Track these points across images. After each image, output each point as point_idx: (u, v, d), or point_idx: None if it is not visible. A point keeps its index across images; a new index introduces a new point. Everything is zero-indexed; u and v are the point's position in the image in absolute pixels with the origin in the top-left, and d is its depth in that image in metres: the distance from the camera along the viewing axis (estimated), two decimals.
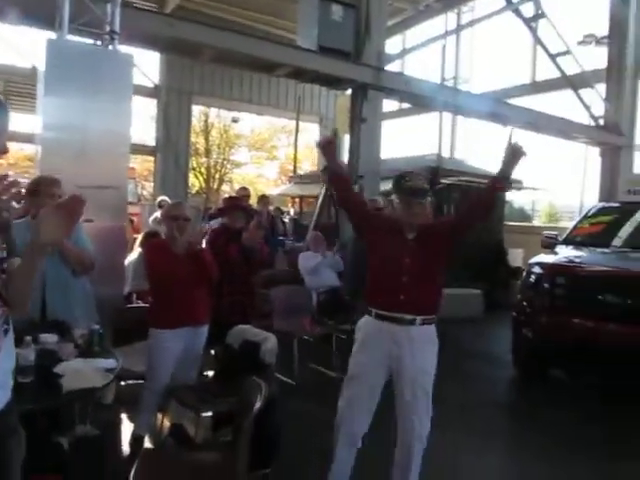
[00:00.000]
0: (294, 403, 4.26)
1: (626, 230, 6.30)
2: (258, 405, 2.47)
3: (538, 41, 9.40)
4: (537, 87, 11.13)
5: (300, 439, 3.82)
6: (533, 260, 5.80)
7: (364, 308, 2.95)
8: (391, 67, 7.93)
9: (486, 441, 4.12)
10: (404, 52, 8.80)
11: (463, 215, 3.04)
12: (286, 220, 11.06)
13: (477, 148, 12.13)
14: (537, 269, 5.55)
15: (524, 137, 8.67)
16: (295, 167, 15.03)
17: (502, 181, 2.76)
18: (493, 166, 11.39)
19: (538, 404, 4.99)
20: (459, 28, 10.84)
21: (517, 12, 8.65)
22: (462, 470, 3.57)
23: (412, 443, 2.82)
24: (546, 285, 5.34)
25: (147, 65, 13.85)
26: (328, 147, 2.94)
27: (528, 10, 9.12)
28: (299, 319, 5.62)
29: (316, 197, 9.61)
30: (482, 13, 9.71)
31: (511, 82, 11.63)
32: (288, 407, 3.81)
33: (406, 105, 11.48)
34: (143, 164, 19.48)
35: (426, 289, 2.82)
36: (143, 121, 15.40)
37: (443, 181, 9.98)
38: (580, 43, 11.23)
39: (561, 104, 10.17)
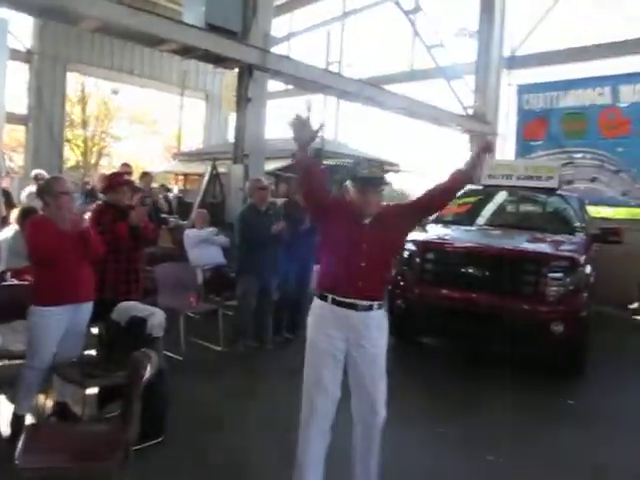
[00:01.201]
0: (182, 377, 4.36)
1: (488, 210, 7.01)
2: (148, 375, 2.58)
3: (416, 33, 9.97)
4: (414, 75, 11.79)
5: (190, 411, 3.95)
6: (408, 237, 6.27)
7: (317, 292, 2.93)
8: (278, 48, 8.07)
9: None
10: (290, 35, 8.94)
11: (427, 203, 3.03)
12: (170, 197, 10.87)
13: (359, 131, 12.65)
14: (410, 246, 6.01)
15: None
16: (179, 144, 14.73)
17: (468, 175, 2.92)
18: (373, 148, 12.00)
19: (415, 368, 5.46)
20: (344, 15, 11.17)
21: (397, 4, 9.11)
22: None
23: (375, 426, 2.88)
24: (418, 260, 5.83)
25: (18, 27, 12.81)
26: (302, 127, 2.72)
27: (409, 3, 9.62)
28: (184, 296, 5.67)
29: (201, 175, 9.56)
30: (367, 1, 10.06)
31: (391, 69, 12.21)
32: (176, 381, 3.93)
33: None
34: (11, 134, 18.05)
35: (382, 274, 2.89)
36: (11, 87, 14.26)
37: (327, 163, 10.36)
38: (456, 35, 12.02)
39: (436, 92, 10.87)
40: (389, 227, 2.84)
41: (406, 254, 6.01)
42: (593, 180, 9.84)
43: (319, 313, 2.89)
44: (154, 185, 9.46)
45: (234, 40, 6.93)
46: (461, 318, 5.51)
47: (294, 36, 8.93)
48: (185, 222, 8.09)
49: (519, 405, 4.57)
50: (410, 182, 13.87)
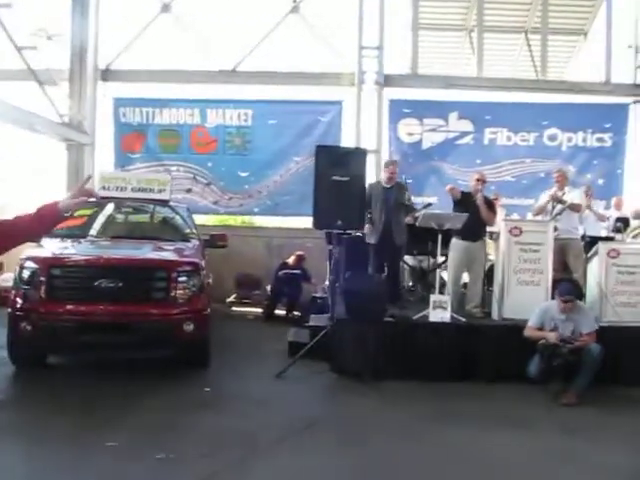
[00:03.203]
0: None
1: (107, 222, 7.07)
2: None
3: (4, 29, 9.05)
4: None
5: None
6: (24, 255, 5.79)
7: None
8: None
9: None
10: None
11: (12, 234, 2.45)
12: None
13: None
14: (30, 263, 5.62)
15: None
16: None
17: (63, 212, 2.46)
18: None
19: (55, 391, 5.15)
20: None
21: None
22: None
23: None
24: (42, 278, 5.50)
25: None
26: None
27: None
28: None
29: None
30: None
31: None
32: None
33: None
34: None
35: None
36: None
37: None
38: (33, 35, 11.25)
39: (28, 96, 10.01)
40: None
41: (27, 273, 5.60)
42: (188, 191, 10.87)
43: None
44: None
45: None
46: (94, 331, 5.50)
47: None
48: None
49: (166, 401, 4.93)
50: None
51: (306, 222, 10.51)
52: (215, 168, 10.90)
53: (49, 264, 5.60)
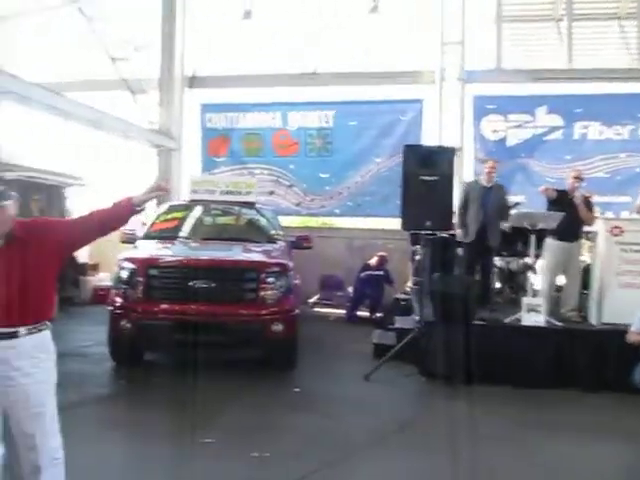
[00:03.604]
0: None
1: (198, 224, 7.31)
2: None
3: (100, 42, 9.58)
4: (94, 85, 11.23)
5: None
6: (122, 256, 6.10)
7: None
8: None
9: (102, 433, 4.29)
10: None
11: (91, 227, 2.76)
12: None
13: (32, 142, 11.23)
14: (128, 264, 5.89)
15: None
16: None
17: (137, 207, 2.74)
18: (51, 160, 10.94)
19: (155, 386, 5.41)
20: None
21: (80, 10, 8.57)
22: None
23: (43, 464, 2.55)
24: (140, 278, 5.75)
25: None
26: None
27: (92, 10, 9.17)
28: None
29: None
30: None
31: (68, 76, 11.32)
32: None
33: None
34: None
35: (29, 296, 2.54)
36: None
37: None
38: (120, 48, 11.80)
39: (120, 105, 10.56)
40: (32, 246, 2.56)
41: (125, 273, 5.87)
42: (271, 193, 11.04)
43: None
44: None
45: None
46: (188, 330, 5.64)
47: None
48: None
49: (257, 401, 5.02)
50: (95, 197, 13.15)
51: (387, 223, 10.50)
52: (297, 170, 11.02)
53: (147, 264, 5.85)
